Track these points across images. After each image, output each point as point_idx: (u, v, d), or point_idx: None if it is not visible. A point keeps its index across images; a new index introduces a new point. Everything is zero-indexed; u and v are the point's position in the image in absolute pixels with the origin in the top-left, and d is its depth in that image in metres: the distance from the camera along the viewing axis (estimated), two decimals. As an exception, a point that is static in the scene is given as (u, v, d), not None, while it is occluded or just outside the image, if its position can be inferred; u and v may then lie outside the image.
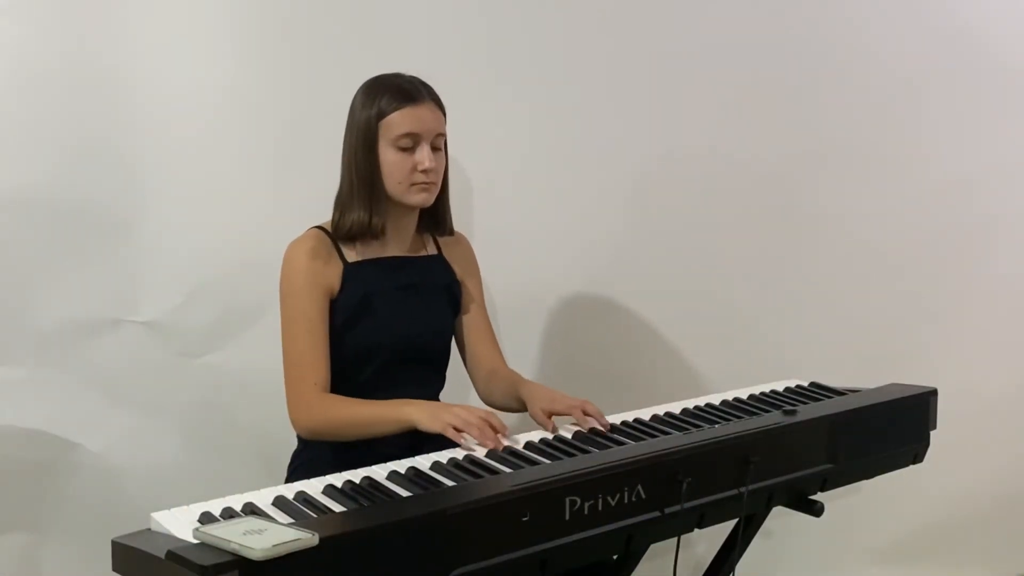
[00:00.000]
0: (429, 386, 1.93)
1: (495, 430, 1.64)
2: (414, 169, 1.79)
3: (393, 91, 1.79)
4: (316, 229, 1.85)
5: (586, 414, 1.74)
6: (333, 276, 1.81)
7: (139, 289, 2.22)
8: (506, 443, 1.64)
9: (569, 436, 1.72)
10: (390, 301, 1.85)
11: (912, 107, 2.68)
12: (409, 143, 1.78)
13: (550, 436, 1.71)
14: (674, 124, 2.53)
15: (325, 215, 1.88)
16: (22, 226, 2.12)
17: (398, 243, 1.89)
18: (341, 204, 1.84)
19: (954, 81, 2.69)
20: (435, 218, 1.93)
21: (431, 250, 1.96)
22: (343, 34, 2.28)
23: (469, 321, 1.99)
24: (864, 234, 2.68)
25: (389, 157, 1.79)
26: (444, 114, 1.85)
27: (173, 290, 2.24)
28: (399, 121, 1.77)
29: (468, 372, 2.01)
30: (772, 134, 2.59)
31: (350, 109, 1.84)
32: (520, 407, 1.88)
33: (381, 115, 1.78)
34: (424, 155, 1.78)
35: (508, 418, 1.83)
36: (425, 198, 1.82)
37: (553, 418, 1.78)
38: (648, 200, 2.54)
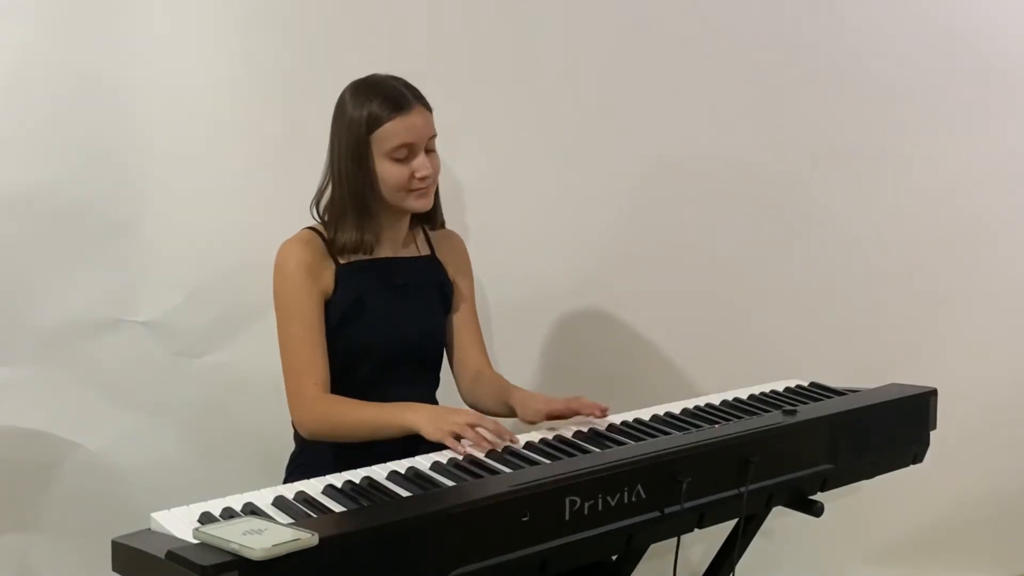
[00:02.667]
0: (423, 386, 1.92)
1: (497, 435, 1.63)
2: (412, 177, 1.78)
3: (381, 101, 1.76)
4: (308, 230, 1.84)
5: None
6: (327, 276, 1.81)
7: (139, 289, 2.22)
8: (511, 440, 1.64)
9: (569, 435, 1.72)
10: (383, 302, 1.84)
11: (910, 109, 2.68)
12: (404, 153, 1.77)
13: (550, 436, 1.71)
14: (671, 125, 2.53)
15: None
16: (22, 226, 2.12)
17: (391, 244, 1.89)
18: (335, 220, 1.82)
19: (950, 83, 2.69)
20: (425, 213, 1.92)
21: (424, 250, 1.96)
22: (341, 34, 2.28)
23: (458, 321, 1.98)
24: (863, 234, 2.68)
25: (385, 168, 1.77)
26: (432, 112, 1.83)
27: (173, 290, 2.23)
28: (392, 133, 1.76)
29: (453, 372, 2.00)
30: (772, 135, 2.59)
31: (335, 115, 1.81)
32: (509, 413, 1.86)
33: (372, 127, 1.75)
34: (420, 163, 1.78)
35: (505, 420, 1.83)
36: (424, 203, 1.82)
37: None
38: (645, 200, 2.54)
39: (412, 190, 1.80)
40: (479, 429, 1.62)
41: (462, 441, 1.62)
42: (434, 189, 1.85)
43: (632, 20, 2.48)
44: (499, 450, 1.61)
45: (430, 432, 1.64)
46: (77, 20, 2.12)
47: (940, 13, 2.67)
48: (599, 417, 1.73)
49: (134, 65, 2.16)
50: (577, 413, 1.75)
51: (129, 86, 2.17)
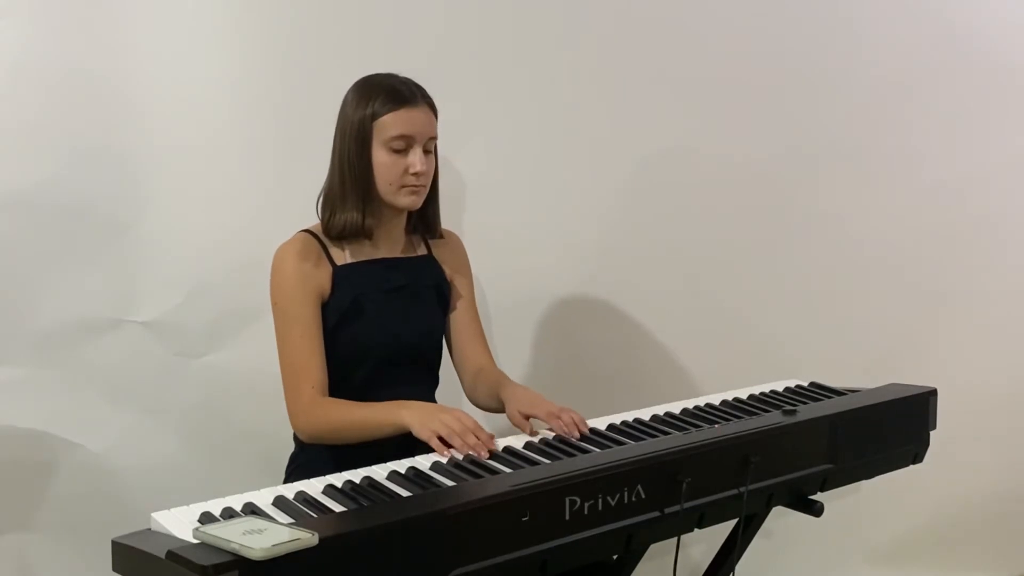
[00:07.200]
0: (422, 386, 1.92)
1: (482, 446, 1.61)
2: (405, 171, 1.79)
3: (388, 92, 1.79)
4: (304, 232, 1.84)
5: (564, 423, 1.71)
6: (323, 279, 1.81)
7: (139, 289, 2.22)
8: (494, 448, 1.62)
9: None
10: (380, 303, 1.84)
11: (910, 107, 2.68)
12: (402, 145, 1.78)
13: (550, 436, 1.71)
14: (667, 123, 2.53)
15: (324, 215, 1.88)
16: (22, 226, 2.12)
17: (387, 244, 1.89)
18: (332, 204, 1.83)
19: (950, 81, 2.70)
20: (424, 221, 1.94)
21: (421, 250, 1.96)
22: (341, 35, 2.28)
23: (457, 319, 1.99)
24: (863, 234, 2.68)
25: (381, 158, 1.79)
26: (436, 117, 1.84)
27: (173, 290, 2.24)
28: (393, 123, 1.77)
29: (456, 370, 2.00)
30: (769, 133, 2.59)
31: (342, 107, 1.84)
32: (501, 408, 1.86)
33: (375, 116, 1.78)
34: (416, 158, 1.79)
35: (503, 421, 1.83)
36: (414, 200, 1.82)
37: (531, 420, 1.75)
38: (642, 199, 2.54)
39: (404, 185, 1.80)
40: (463, 432, 1.60)
41: (447, 445, 1.61)
42: (426, 191, 1.85)
43: (632, 18, 2.48)
44: (485, 457, 1.59)
45: (418, 430, 1.64)
46: (77, 21, 2.12)
47: (942, 11, 2.67)
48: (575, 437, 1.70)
49: (134, 65, 2.16)
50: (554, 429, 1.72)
51: (129, 86, 2.17)
